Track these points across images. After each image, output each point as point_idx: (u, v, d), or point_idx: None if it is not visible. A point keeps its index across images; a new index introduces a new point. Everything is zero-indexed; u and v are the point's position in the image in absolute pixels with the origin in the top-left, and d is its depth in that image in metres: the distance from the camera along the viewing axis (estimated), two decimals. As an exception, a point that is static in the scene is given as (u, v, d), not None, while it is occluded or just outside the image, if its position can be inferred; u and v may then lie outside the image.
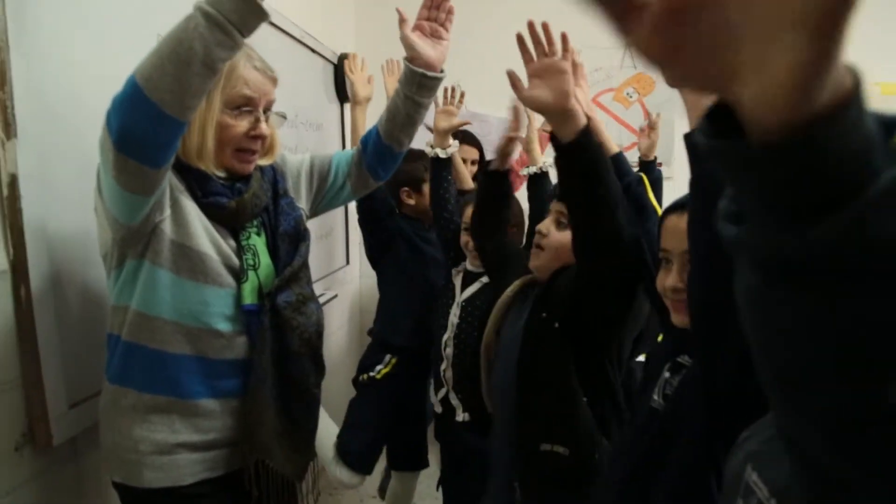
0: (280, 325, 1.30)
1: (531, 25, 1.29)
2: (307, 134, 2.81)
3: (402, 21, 1.40)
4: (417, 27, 1.42)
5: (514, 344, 1.46)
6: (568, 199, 1.29)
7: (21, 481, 1.28)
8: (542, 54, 1.28)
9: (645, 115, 3.68)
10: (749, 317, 0.38)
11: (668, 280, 1.06)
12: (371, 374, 2.39)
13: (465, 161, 2.62)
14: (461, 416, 2.04)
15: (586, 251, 1.28)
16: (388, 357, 2.40)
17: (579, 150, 1.21)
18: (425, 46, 1.41)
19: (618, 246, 1.23)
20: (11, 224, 1.24)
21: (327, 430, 2.39)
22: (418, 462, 2.59)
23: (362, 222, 2.46)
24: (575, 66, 1.33)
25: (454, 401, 2.07)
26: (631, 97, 3.71)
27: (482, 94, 3.71)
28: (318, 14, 3.07)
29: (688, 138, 0.83)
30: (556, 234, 1.48)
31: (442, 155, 2.19)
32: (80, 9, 1.39)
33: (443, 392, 2.11)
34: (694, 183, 0.85)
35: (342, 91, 3.28)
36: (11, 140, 1.22)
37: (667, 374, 1.12)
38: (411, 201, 2.41)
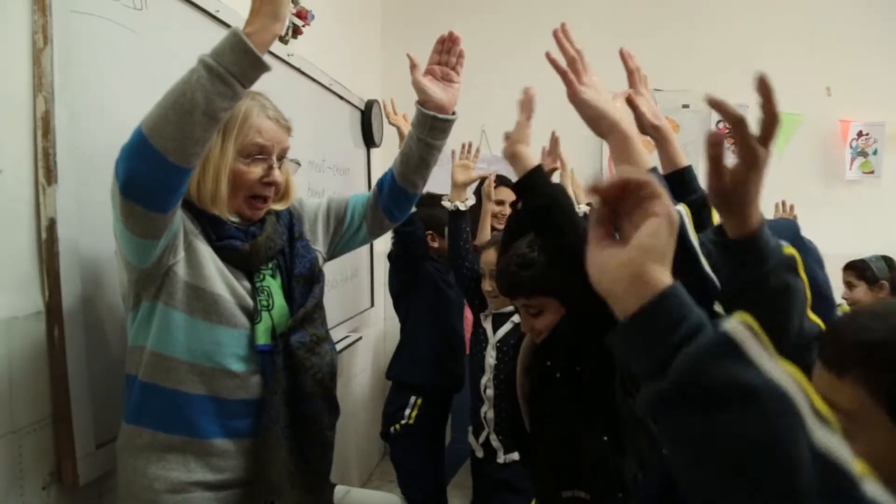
0: (293, 366, 1.31)
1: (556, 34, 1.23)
2: (334, 178, 2.87)
3: (413, 66, 1.42)
4: (429, 71, 1.44)
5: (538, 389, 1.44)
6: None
7: (47, 521, 1.29)
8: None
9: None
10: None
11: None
12: (402, 422, 2.38)
13: (503, 203, 2.70)
14: (503, 457, 2.02)
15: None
16: (413, 399, 2.40)
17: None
18: (436, 90, 1.43)
19: None
20: (48, 267, 1.28)
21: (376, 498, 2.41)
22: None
23: (395, 258, 2.49)
24: (632, 72, 1.27)
25: (495, 443, 2.05)
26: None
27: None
28: (345, 62, 3.16)
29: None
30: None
31: (462, 207, 2.23)
32: (119, 64, 1.46)
33: (484, 434, 2.10)
34: None
35: (369, 136, 3.36)
36: (52, 186, 1.27)
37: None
38: (435, 244, 2.45)
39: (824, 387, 0.68)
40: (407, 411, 2.38)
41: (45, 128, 1.26)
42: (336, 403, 1.42)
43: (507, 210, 2.74)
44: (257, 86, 1.35)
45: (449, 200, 2.28)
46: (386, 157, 3.61)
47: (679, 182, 1.30)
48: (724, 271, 0.93)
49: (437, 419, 2.46)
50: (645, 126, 1.32)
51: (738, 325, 0.51)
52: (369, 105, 3.35)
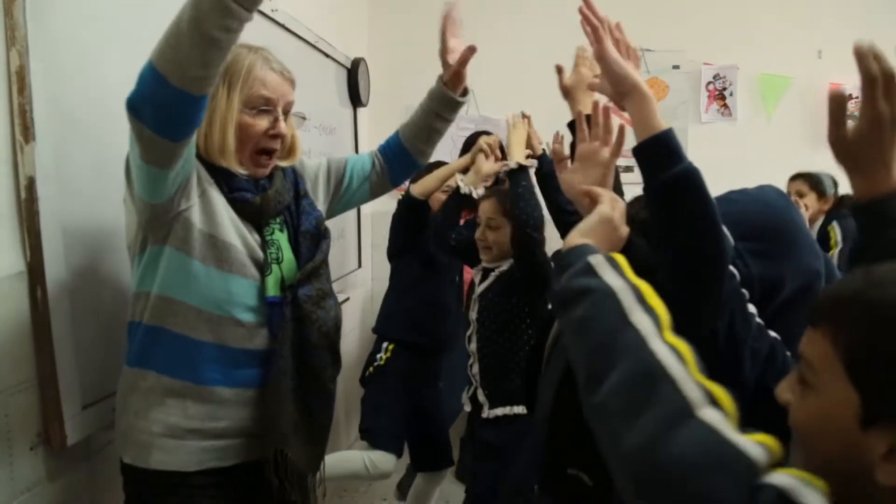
0: (300, 318, 1.33)
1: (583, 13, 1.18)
2: (320, 137, 2.83)
3: (447, 25, 1.43)
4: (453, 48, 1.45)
5: (561, 362, 1.43)
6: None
7: (36, 480, 1.30)
8: (596, 138, 1.23)
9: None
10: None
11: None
12: (375, 363, 2.49)
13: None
14: (487, 412, 2.05)
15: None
16: (385, 344, 2.51)
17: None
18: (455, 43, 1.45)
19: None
20: (29, 226, 1.26)
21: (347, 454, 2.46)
22: (442, 461, 2.62)
23: (402, 218, 2.53)
24: (629, 50, 1.24)
25: (481, 397, 2.08)
26: (644, 102, 3.70)
27: (493, 99, 3.72)
28: (331, 19, 3.09)
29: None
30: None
31: (475, 195, 2.29)
32: (95, 14, 1.41)
33: (471, 389, 2.13)
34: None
35: (355, 95, 3.30)
36: (30, 143, 1.24)
37: None
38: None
39: (805, 339, 0.68)
40: (379, 355, 2.50)
41: (20, 83, 1.22)
42: (339, 357, 1.45)
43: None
44: (246, 40, 1.33)
45: (464, 183, 2.32)
46: (373, 117, 3.57)
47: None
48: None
49: (410, 371, 2.50)
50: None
51: (600, 257, 0.85)
52: (356, 63, 3.29)
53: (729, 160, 2.84)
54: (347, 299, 3.08)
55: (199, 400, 1.26)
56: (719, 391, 0.67)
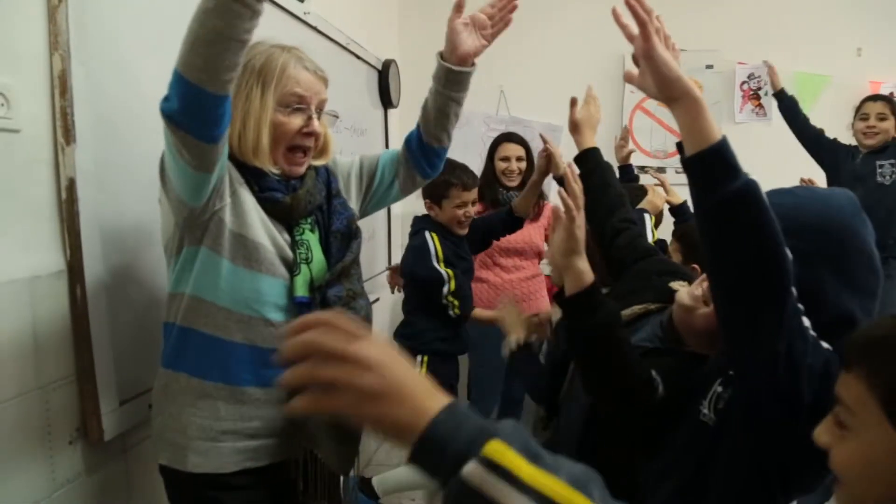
0: None
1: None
2: (351, 139, 2.85)
3: (458, 5, 1.40)
4: (473, 17, 1.42)
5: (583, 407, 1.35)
6: None
7: (75, 474, 1.33)
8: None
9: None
10: None
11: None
12: None
13: (510, 158, 2.88)
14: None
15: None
16: (419, 358, 2.37)
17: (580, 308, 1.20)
18: (465, 37, 1.41)
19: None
20: (69, 226, 1.29)
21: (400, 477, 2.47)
22: None
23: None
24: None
25: None
26: (676, 102, 3.65)
27: (525, 101, 3.71)
28: (362, 21, 3.11)
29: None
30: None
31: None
32: (134, 19, 1.44)
33: None
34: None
35: (386, 96, 3.32)
36: (71, 145, 1.27)
37: (719, 389, 1.07)
38: (432, 212, 2.39)
39: (840, 382, 0.69)
40: (417, 368, 2.38)
41: (62, 87, 1.25)
42: None
43: (514, 166, 2.88)
44: (286, 41, 1.35)
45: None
46: (403, 118, 3.58)
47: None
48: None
49: (447, 372, 2.42)
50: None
51: (474, 470, 0.51)
52: (387, 65, 3.31)
53: (765, 161, 2.76)
54: (377, 300, 3.10)
55: (230, 401, 1.27)
56: None
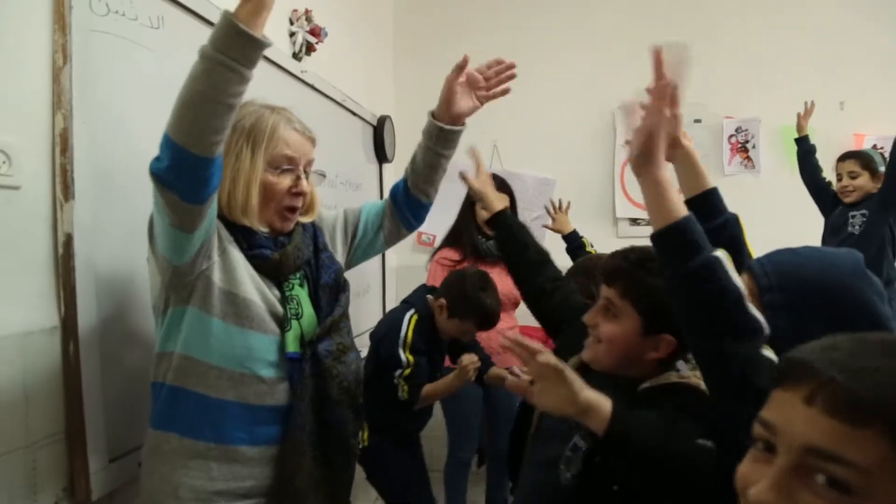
0: (321, 373, 1.33)
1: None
2: (346, 193, 2.88)
3: (461, 65, 1.44)
4: (468, 74, 1.46)
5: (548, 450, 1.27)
6: None
7: (60, 536, 1.29)
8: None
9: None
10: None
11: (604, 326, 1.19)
12: (359, 446, 2.28)
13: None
14: None
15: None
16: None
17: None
18: (461, 98, 1.46)
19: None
20: (65, 282, 1.29)
21: None
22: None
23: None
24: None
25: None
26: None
27: (518, 155, 3.77)
28: (358, 78, 3.18)
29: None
30: (607, 326, 1.23)
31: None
32: (137, 81, 1.48)
33: None
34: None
35: (381, 152, 3.38)
36: (69, 202, 1.29)
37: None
38: (439, 316, 2.28)
39: (824, 434, 0.57)
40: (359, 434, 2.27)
41: (63, 144, 1.28)
42: (362, 412, 1.44)
43: None
44: (275, 101, 1.38)
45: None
46: (398, 173, 3.60)
47: (710, 203, 1.28)
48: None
49: (396, 437, 2.35)
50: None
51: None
52: (382, 121, 3.37)
53: (754, 212, 2.81)
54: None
55: (223, 460, 1.25)
56: None
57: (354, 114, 3.04)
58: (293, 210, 1.36)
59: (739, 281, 0.95)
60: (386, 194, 1.61)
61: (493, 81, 1.48)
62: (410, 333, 2.20)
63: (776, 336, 0.96)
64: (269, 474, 1.30)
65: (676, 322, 1.03)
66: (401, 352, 2.17)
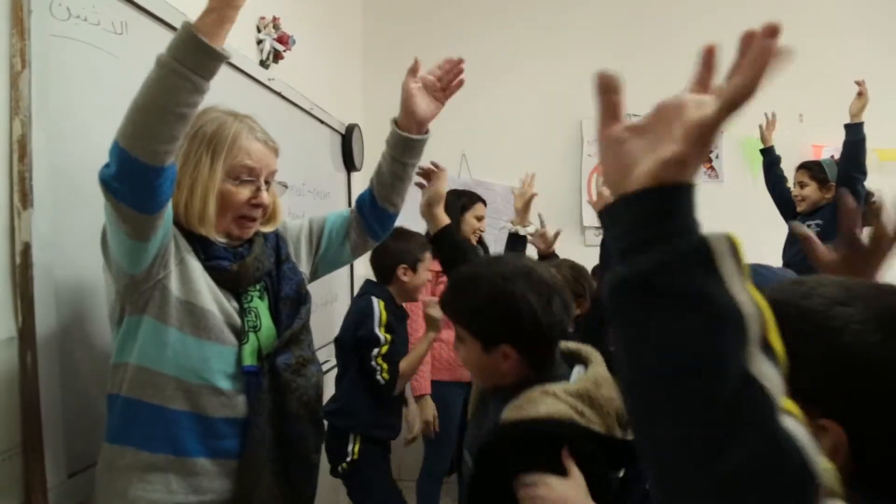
0: (279, 387, 1.31)
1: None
2: (314, 202, 2.86)
3: (413, 70, 1.44)
4: (424, 80, 1.46)
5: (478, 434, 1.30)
6: None
7: (16, 555, 1.25)
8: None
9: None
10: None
11: None
12: (347, 458, 2.29)
13: (482, 219, 2.95)
14: None
15: None
16: (351, 435, 2.29)
17: None
18: (420, 102, 1.44)
19: None
20: (22, 292, 1.26)
21: None
22: None
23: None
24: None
25: None
26: (632, 165, 3.78)
27: (487, 164, 3.79)
28: (326, 86, 3.17)
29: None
30: (460, 352, 1.26)
31: (521, 232, 2.40)
32: (99, 87, 1.45)
33: None
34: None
35: (349, 160, 3.36)
36: (27, 210, 1.25)
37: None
38: (406, 278, 2.40)
39: None
40: (349, 447, 2.29)
41: (21, 151, 1.24)
42: (322, 426, 1.42)
43: (484, 226, 2.95)
44: (242, 108, 1.36)
45: (511, 223, 2.45)
46: (366, 181, 3.60)
47: None
48: None
49: (384, 454, 2.40)
50: None
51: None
52: (350, 129, 3.36)
53: (718, 220, 2.85)
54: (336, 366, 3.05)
55: (182, 473, 1.23)
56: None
57: (322, 122, 3.03)
58: (252, 220, 1.34)
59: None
60: (354, 203, 1.59)
61: (446, 80, 1.46)
62: (384, 312, 2.28)
63: None
64: (228, 488, 1.27)
65: (506, 330, 1.14)
66: (378, 330, 2.24)
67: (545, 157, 3.79)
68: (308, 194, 2.79)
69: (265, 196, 1.32)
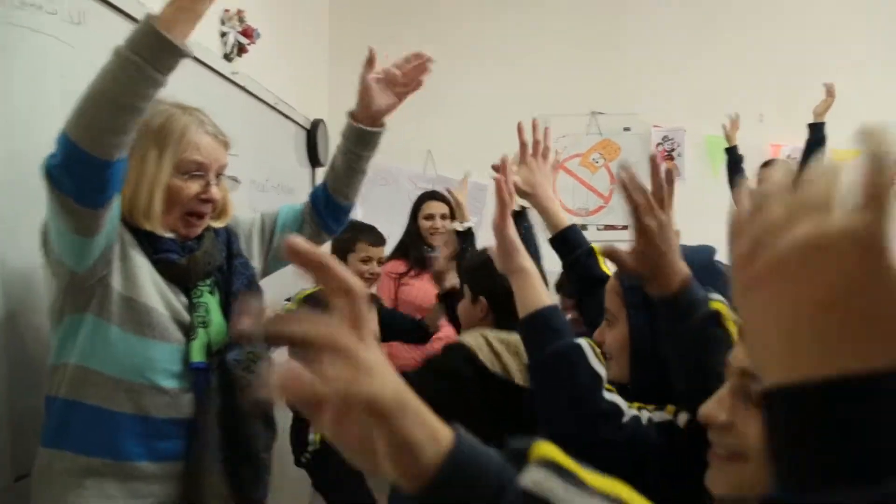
0: (229, 385, 1.27)
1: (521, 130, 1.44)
2: (278, 197, 2.83)
3: (370, 60, 1.38)
4: (386, 72, 1.39)
5: None
6: None
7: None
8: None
9: (611, 180, 3.78)
10: None
11: (607, 336, 1.13)
12: (310, 448, 2.34)
13: (434, 216, 2.88)
14: None
15: None
16: (312, 427, 2.33)
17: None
18: (379, 95, 1.38)
19: None
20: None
21: None
22: None
23: None
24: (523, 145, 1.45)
25: None
26: (597, 162, 3.82)
27: (452, 160, 3.79)
28: (291, 81, 3.13)
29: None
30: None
31: (459, 228, 2.40)
32: (56, 77, 1.41)
33: None
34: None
35: (314, 156, 3.33)
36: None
37: None
38: None
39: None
40: (311, 437, 2.34)
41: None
42: (273, 424, 1.39)
43: (438, 224, 2.88)
44: (205, 102, 1.33)
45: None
46: (332, 177, 3.59)
47: (563, 242, 1.43)
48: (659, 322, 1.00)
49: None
50: (518, 194, 1.40)
51: (537, 475, 0.44)
52: (315, 124, 3.33)
53: (680, 216, 2.91)
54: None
55: (119, 478, 1.19)
56: None
57: (287, 117, 3.00)
58: (200, 216, 1.29)
59: (600, 368, 0.99)
60: (308, 197, 1.55)
61: (410, 75, 1.40)
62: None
63: (636, 332, 1.06)
64: (171, 492, 1.24)
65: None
66: None
67: (510, 152, 3.80)
68: (272, 190, 2.76)
69: (215, 191, 1.28)
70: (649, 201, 0.97)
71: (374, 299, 2.41)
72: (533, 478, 0.44)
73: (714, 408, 0.69)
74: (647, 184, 1.02)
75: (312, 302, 2.42)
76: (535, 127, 1.45)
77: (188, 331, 1.25)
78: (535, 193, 1.43)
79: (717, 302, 0.96)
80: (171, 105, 1.27)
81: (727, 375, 0.71)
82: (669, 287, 0.95)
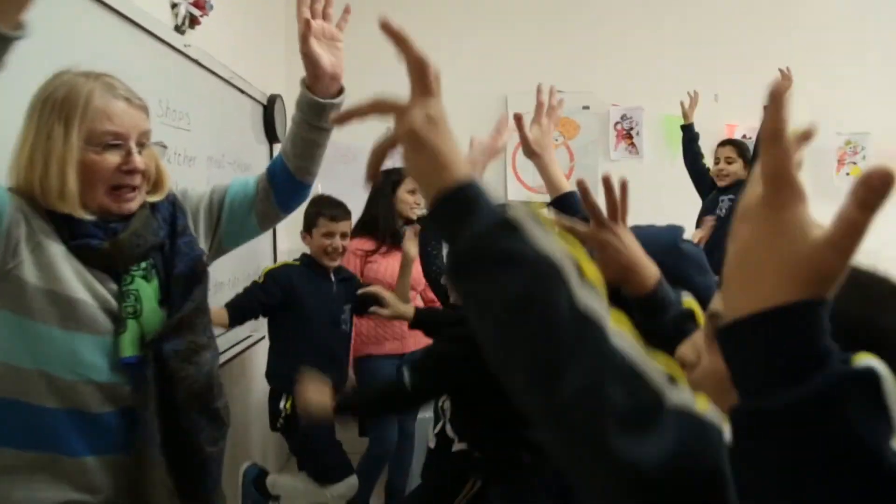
0: (167, 377, 1.20)
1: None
2: (234, 174, 2.77)
3: (305, 31, 1.23)
4: (315, 32, 1.26)
5: None
6: None
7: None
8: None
9: (570, 158, 3.80)
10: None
11: None
12: (282, 416, 2.46)
13: (416, 192, 2.85)
14: (457, 446, 2.01)
15: None
16: (283, 395, 2.45)
17: None
18: (324, 55, 1.26)
19: None
20: None
21: (296, 486, 2.53)
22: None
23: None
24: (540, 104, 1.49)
25: (450, 433, 2.05)
26: (556, 140, 3.84)
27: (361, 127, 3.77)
28: (247, 55, 3.05)
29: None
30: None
31: (413, 216, 2.48)
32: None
33: (439, 425, 2.07)
34: None
35: (271, 131, 3.27)
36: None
37: None
38: (305, 242, 2.56)
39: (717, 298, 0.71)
40: (282, 404, 2.44)
41: None
42: (219, 416, 1.32)
43: (420, 199, 2.86)
44: (156, 76, 1.27)
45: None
46: (290, 154, 3.53)
47: (562, 207, 1.43)
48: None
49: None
50: (525, 152, 1.52)
51: (517, 208, 0.60)
52: (272, 100, 3.26)
53: (638, 195, 2.95)
54: (263, 337, 3.00)
55: (71, 472, 1.15)
56: (669, 365, 0.60)
57: (243, 92, 2.92)
58: (132, 189, 1.19)
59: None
60: (265, 172, 1.44)
61: (325, 12, 1.28)
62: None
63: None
64: (119, 485, 1.19)
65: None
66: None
67: (471, 130, 3.79)
68: (228, 166, 2.70)
69: (138, 160, 1.16)
70: (600, 219, 1.03)
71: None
72: (514, 210, 0.59)
73: (688, 349, 0.75)
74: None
75: (275, 275, 2.45)
76: (552, 92, 1.51)
77: (118, 322, 1.18)
78: (542, 155, 1.49)
79: (689, 300, 1.02)
80: (74, 74, 1.15)
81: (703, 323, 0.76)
82: (644, 288, 1.01)
